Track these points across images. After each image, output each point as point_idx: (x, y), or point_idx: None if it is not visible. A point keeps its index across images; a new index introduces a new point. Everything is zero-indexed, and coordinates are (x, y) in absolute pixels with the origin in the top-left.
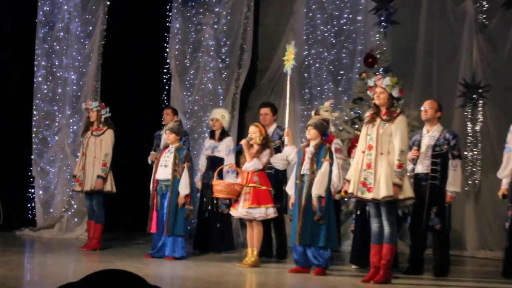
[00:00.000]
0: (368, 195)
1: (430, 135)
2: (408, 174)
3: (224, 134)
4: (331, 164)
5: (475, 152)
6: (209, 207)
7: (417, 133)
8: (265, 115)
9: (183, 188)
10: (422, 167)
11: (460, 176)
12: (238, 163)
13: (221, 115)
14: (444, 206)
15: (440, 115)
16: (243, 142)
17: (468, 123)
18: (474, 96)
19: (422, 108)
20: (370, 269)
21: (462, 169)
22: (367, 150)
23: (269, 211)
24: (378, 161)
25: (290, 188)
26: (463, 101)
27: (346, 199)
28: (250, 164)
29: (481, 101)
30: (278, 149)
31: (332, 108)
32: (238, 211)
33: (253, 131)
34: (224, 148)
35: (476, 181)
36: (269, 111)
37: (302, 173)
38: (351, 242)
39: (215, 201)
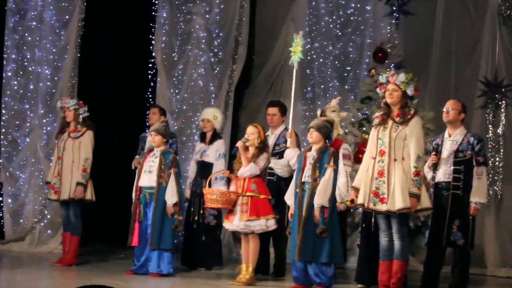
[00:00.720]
0: (382, 207)
1: (452, 139)
2: (430, 183)
3: (215, 136)
4: (335, 171)
5: (497, 159)
6: (196, 218)
7: (439, 137)
8: (273, 116)
9: (170, 197)
10: (443, 175)
11: (485, 185)
12: (230, 169)
13: (213, 116)
14: (468, 219)
15: (464, 117)
16: (239, 144)
17: (490, 126)
18: (496, 96)
19: (444, 109)
20: None
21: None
22: (379, 156)
23: (270, 223)
24: (391, 169)
25: (289, 198)
26: (484, 101)
27: (352, 209)
28: (247, 169)
29: (504, 102)
30: (282, 154)
31: (339, 107)
32: (234, 224)
33: (252, 132)
34: (214, 153)
35: (498, 191)
36: (277, 111)
37: (303, 180)
38: (356, 258)
39: (201, 211)
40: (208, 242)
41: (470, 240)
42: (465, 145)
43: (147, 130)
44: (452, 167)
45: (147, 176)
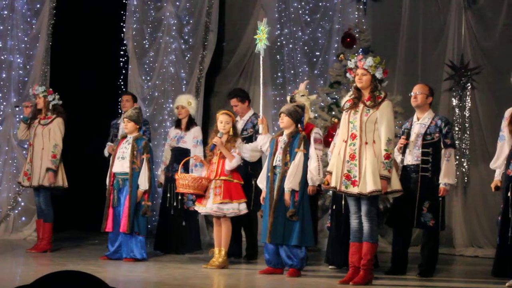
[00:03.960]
0: (353, 190)
1: (420, 122)
2: (399, 165)
3: (191, 123)
4: (305, 155)
5: (464, 141)
6: (174, 204)
7: (408, 121)
8: (235, 107)
9: (143, 182)
10: (412, 158)
11: (454, 166)
12: (205, 155)
13: (187, 102)
14: (437, 200)
15: (431, 101)
16: (217, 141)
17: (456, 109)
18: (462, 79)
19: (411, 94)
20: (349, 269)
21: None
22: (350, 139)
23: (242, 207)
24: (362, 152)
25: (261, 181)
26: (451, 84)
27: (323, 191)
28: (234, 161)
29: (469, 85)
30: (250, 139)
31: (308, 91)
32: (206, 207)
33: (227, 121)
34: (191, 139)
35: (465, 172)
36: (236, 101)
37: (274, 164)
38: (327, 240)
39: (179, 197)
40: (189, 227)
41: (440, 221)
42: (433, 128)
43: (119, 117)
44: (421, 150)
45: (120, 162)
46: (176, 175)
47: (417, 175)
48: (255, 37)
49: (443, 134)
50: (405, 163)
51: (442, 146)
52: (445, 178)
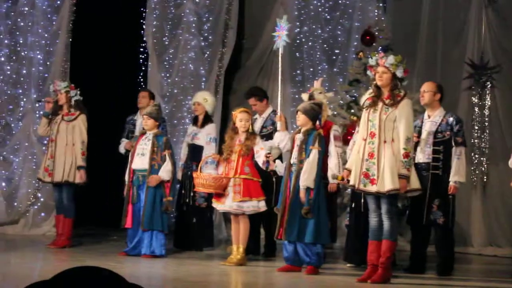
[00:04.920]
0: (372, 188)
1: (431, 120)
2: None
3: (207, 120)
4: (320, 152)
5: (483, 140)
6: (187, 200)
7: (418, 118)
8: (254, 106)
9: (163, 172)
10: (423, 156)
11: (464, 165)
12: (220, 153)
13: (203, 99)
14: (448, 198)
15: (440, 97)
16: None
17: (476, 107)
18: (482, 77)
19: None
20: (367, 267)
21: (467, 157)
22: (369, 137)
23: (261, 204)
24: (381, 150)
25: (281, 166)
26: (470, 83)
27: (342, 187)
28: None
29: (489, 84)
30: (270, 136)
31: (327, 88)
32: (225, 204)
33: (246, 119)
34: (205, 136)
35: (484, 171)
36: (254, 101)
37: (291, 162)
38: (345, 238)
39: (192, 194)
40: (198, 224)
41: (450, 219)
42: (444, 126)
43: (136, 113)
44: (432, 148)
45: (140, 158)
46: (194, 174)
47: (428, 173)
48: (273, 34)
49: (454, 132)
50: (416, 161)
51: (453, 144)
52: (456, 176)
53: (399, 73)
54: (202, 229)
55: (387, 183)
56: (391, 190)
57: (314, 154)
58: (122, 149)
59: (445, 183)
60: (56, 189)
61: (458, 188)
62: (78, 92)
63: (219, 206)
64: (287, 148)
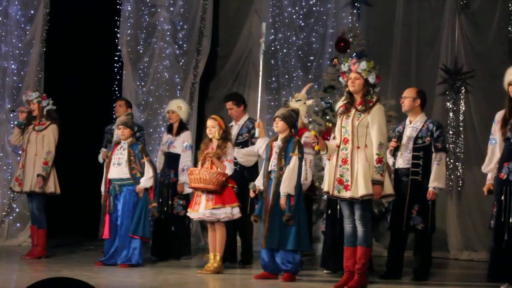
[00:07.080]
0: (346, 194)
1: (412, 126)
2: (391, 169)
3: (182, 127)
4: (300, 159)
5: (458, 145)
6: (165, 209)
7: (401, 124)
8: (230, 110)
9: (143, 180)
10: (402, 161)
11: (444, 171)
12: (195, 160)
13: (177, 106)
14: (427, 204)
15: (420, 103)
16: (209, 153)
17: (450, 112)
18: (456, 82)
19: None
20: (344, 274)
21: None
22: (343, 144)
23: (235, 211)
24: (354, 156)
25: (258, 180)
26: (444, 88)
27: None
28: (228, 171)
29: (463, 89)
30: (245, 143)
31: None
32: (199, 212)
33: (212, 125)
34: (180, 144)
35: (459, 176)
36: (232, 104)
37: (269, 169)
38: (322, 245)
39: (170, 202)
40: (177, 232)
41: (430, 224)
42: (424, 132)
43: (113, 122)
44: (412, 153)
45: (116, 168)
46: (189, 169)
47: (408, 179)
48: (260, 40)
49: (434, 138)
50: (396, 167)
51: (433, 150)
52: (435, 182)
53: (371, 79)
54: (180, 238)
55: (360, 188)
56: (365, 196)
57: (294, 161)
58: (100, 159)
59: (424, 189)
60: (29, 199)
61: (437, 193)
62: (51, 102)
63: (192, 214)
64: (264, 155)
